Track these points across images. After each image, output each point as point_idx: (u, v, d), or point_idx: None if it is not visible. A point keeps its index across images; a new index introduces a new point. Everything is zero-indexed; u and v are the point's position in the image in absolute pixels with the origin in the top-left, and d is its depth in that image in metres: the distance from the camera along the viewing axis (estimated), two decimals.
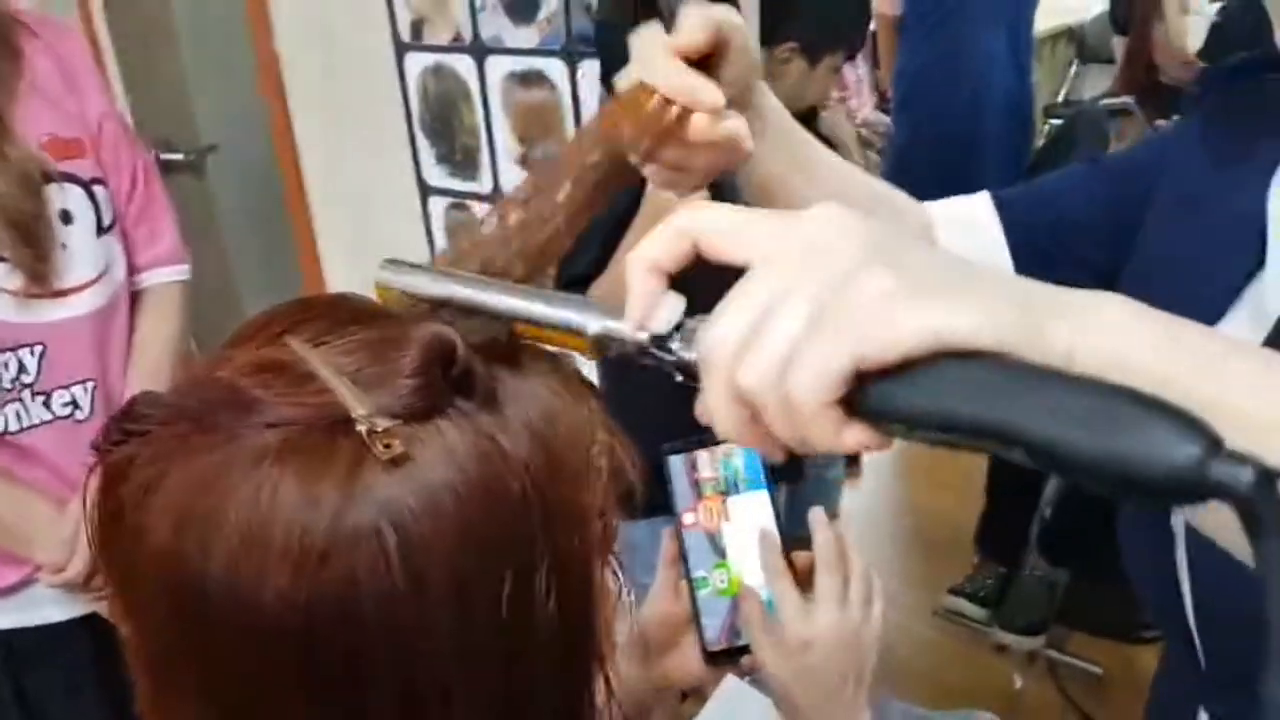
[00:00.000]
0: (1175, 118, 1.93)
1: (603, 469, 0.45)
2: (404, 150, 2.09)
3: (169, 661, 0.41)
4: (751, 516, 0.80)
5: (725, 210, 0.39)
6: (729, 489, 0.80)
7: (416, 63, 1.99)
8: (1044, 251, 0.81)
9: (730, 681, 1.23)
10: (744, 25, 0.62)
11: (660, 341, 0.40)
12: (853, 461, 2.88)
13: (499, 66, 1.88)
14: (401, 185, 2.14)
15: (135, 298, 1.25)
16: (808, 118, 1.85)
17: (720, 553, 0.79)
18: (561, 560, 0.42)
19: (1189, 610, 0.69)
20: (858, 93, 3.06)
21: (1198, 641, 0.70)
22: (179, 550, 0.38)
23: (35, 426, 1.14)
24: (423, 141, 2.06)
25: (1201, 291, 0.67)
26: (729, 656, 0.79)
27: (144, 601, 0.41)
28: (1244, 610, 0.59)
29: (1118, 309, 0.36)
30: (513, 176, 1.96)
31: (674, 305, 0.40)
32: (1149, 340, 0.35)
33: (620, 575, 0.50)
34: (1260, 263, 0.64)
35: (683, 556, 0.79)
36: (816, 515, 0.75)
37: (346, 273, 2.34)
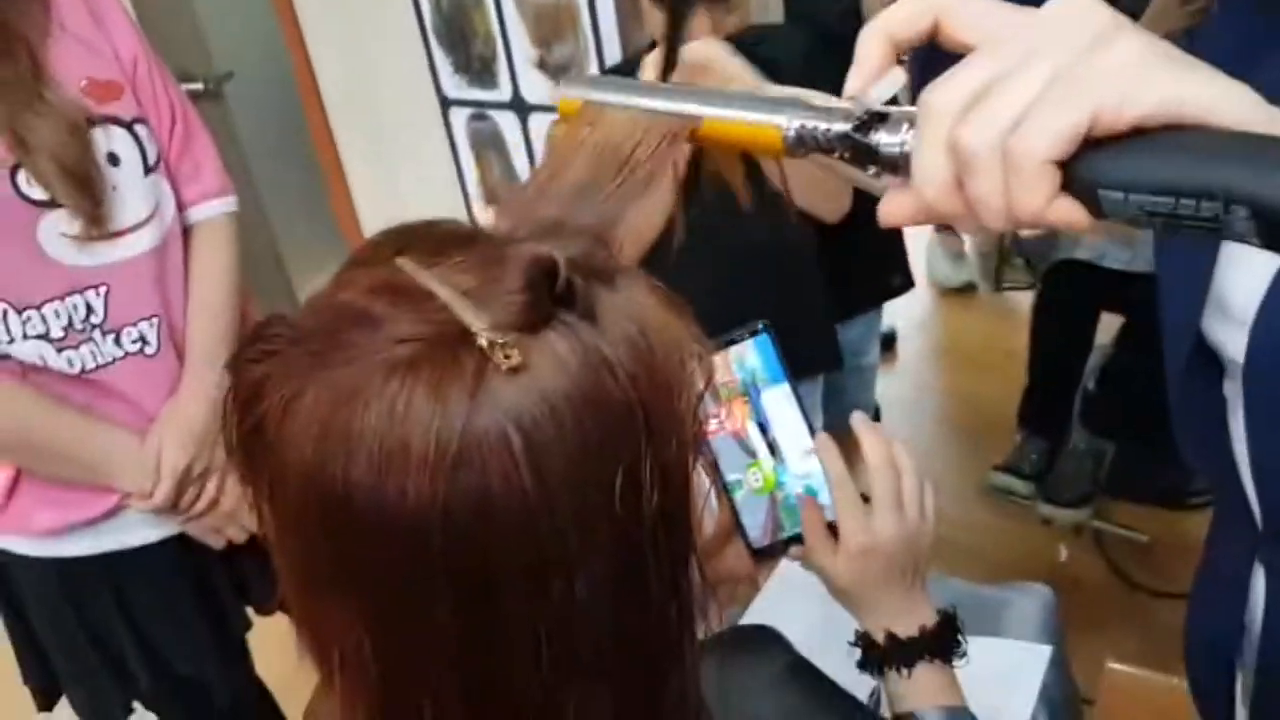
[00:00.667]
0: None
1: (694, 377, 0.48)
2: (421, 63, 2.08)
3: (314, 562, 0.45)
4: (776, 412, 0.81)
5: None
6: (748, 389, 0.81)
7: None
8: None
9: (786, 564, 1.27)
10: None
11: (866, 126, 0.40)
12: (888, 346, 2.90)
13: None
14: (421, 98, 2.12)
15: (186, 233, 1.27)
16: None
17: (750, 453, 0.81)
18: (662, 459, 0.45)
19: (1245, 472, 0.71)
20: None
21: (1254, 499, 0.71)
22: (323, 460, 0.41)
23: (109, 364, 1.18)
24: (439, 52, 2.04)
25: None
26: (775, 551, 0.82)
27: (289, 510, 0.44)
28: None
29: None
30: (532, 81, 1.94)
31: (895, 80, 0.40)
32: None
33: (708, 473, 0.53)
34: None
35: (714, 464, 0.81)
36: (860, 419, 0.77)
37: (372, 191, 2.35)
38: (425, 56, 2.05)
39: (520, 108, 1.99)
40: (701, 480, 0.52)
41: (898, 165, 0.40)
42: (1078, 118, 0.34)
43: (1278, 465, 0.67)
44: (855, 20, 1.82)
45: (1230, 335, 0.67)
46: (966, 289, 3.14)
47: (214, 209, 1.29)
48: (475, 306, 0.43)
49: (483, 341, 0.41)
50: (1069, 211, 0.36)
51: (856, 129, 0.41)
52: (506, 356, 0.41)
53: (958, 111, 0.36)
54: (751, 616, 1.18)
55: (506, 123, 2.03)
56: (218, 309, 1.27)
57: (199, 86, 2.36)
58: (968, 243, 3.22)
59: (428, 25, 2.01)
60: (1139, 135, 0.33)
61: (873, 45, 0.41)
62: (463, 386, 0.41)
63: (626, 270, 0.49)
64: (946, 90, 0.37)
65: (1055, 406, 2.28)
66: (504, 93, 2.00)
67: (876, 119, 0.41)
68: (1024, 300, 2.74)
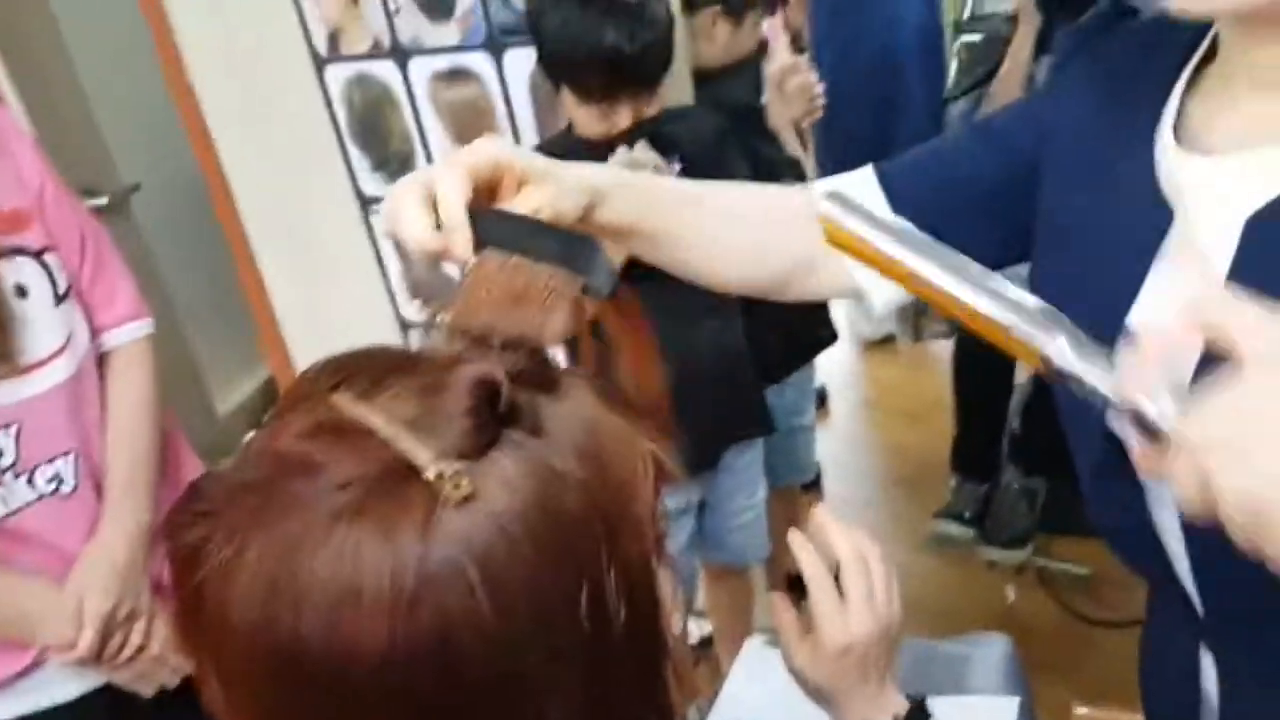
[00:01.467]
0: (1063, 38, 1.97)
1: (650, 476, 0.47)
2: (337, 164, 2.07)
3: None
4: None
5: (1248, 309, 0.44)
6: None
7: (338, 74, 1.96)
8: (935, 229, 0.79)
9: (754, 642, 1.26)
10: (514, 152, 0.64)
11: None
12: (820, 404, 2.94)
13: (423, 68, 1.86)
14: (339, 199, 2.11)
15: (101, 360, 1.23)
16: (750, 64, 1.89)
17: None
18: (625, 566, 0.45)
19: (1181, 565, 0.71)
20: (773, 37, 3.09)
21: (1191, 589, 0.71)
22: (271, 617, 0.40)
23: (22, 509, 1.12)
24: (355, 152, 2.04)
25: (1120, 257, 0.68)
26: None
27: (238, 675, 0.42)
28: (1252, 565, 0.63)
29: None
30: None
31: (1175, 391, 0.46)
32: None
33: (673, 573, 0.52)
34: (1169, 216, 0.65)
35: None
36: (823, 514, 0.77)
37: (293, 296, 2.31)
38: (341, 156, 2.05)
39: None
40: (667, 583, 0.51)
41: (1155, 434, 0.46)
42: None
43: (1218, 565, 0.67)
44: (757, 109, 1.88)
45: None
46: (887, 341, 3.21)
47: (129, 333, 1.25)
48: (419, 437, 0.42)
49: (430, 474, 0.41)
50: None
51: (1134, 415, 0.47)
52: (456, 487, 0.41)
53: (1216, 447, 0.43)
54: (722, 703, 1.16)
55: None
56: (137, 437, 1.23)
57: (104, 200, 2.32)
58: None
59: (342, 125, 2.01)
60: None
61: (1154, 357, 0.47)
62: (413, 524, 0.40)
63: (567, 375, 0.49)
64: (1207, 427, 0.43)
65: (985, 450, 2.33)
66: None
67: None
68: (943, 348, 2.80)
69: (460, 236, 0.58)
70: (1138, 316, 0.66)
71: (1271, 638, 0.70)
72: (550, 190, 0.63)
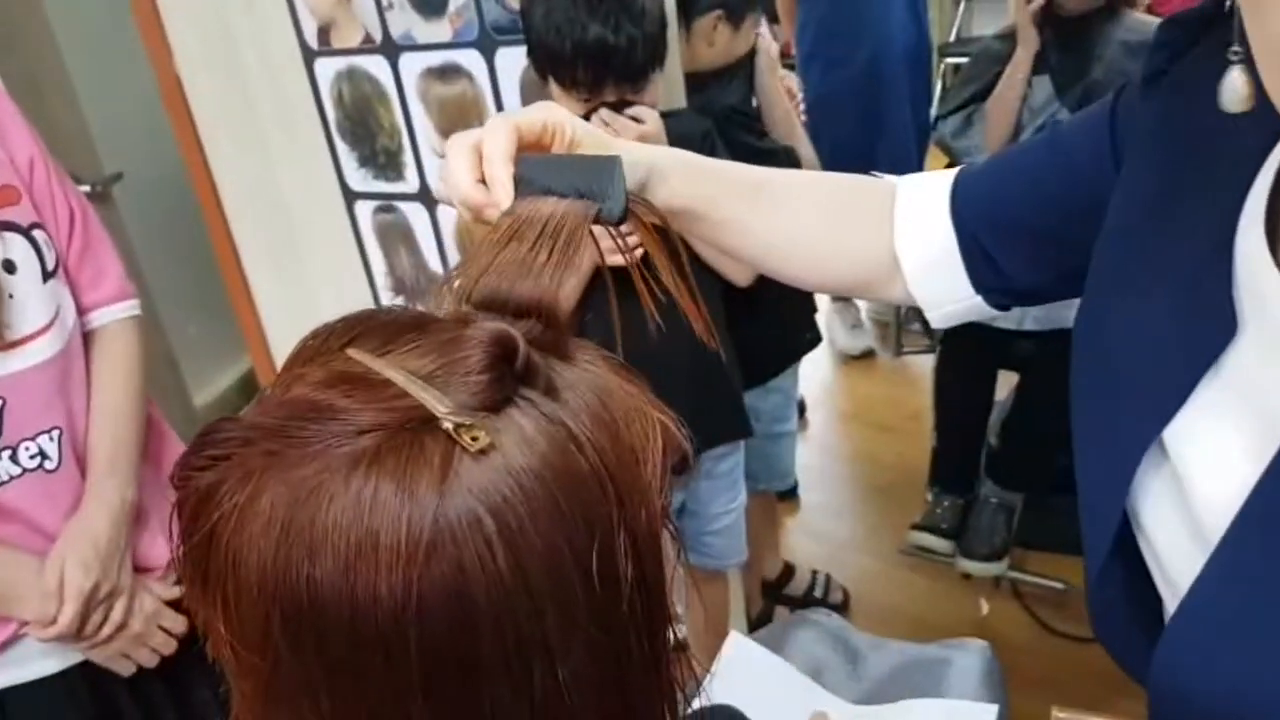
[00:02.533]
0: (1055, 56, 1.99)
1: (658, 445, 0.48)
2: (324, 158, 2.06)
3: (279, 675, 0.42)
4: None
5: None
6: None
7: (327, 68, 1.95)
8: (986, 250, 0.75)
9: (735, 639, 1.27)
10: (568, 117, 0.65)
11: None
12: (799, 415, 2.95)
13: (414, 63, 1.86)
14: (324, 193, 2.10)
15: (88, 338, 1.22)
16: (742, 67, 1.91)
17: None
18: (634, 530, 0.45)
19: None
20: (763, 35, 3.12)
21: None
22: (286, 564, 0.40)
23: (5, 482, 1.11)
24: (342, 147, 2.03)
25: (1169, 359, 0.58)
26: None
27: (249, 623, 0.42)
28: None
29: None
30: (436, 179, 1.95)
31: None
32: None
33: (674, 542, 0.53)
34: (1232, 329, 0.55)
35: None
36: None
37: (276, 289, 2.30)
38: (328, 151, 2.04)
39: (428, 199, 1.99)
40: (670, 551, 0.51)
41: None
42: None
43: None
44: (749, 111, 1.90)
45: (1155, 569, 0.62)
46: (867, 355, 3.23)
47: (116, 313, 1.25)
48: (437, 390, 0.42)
49: (448, 425, 0.41)
50: None
51: None
52: (474, 439, 0.41)
53: None
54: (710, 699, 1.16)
55: (414, 214, 2.02)
56: (122, 416, 1.22)
57: (86, 189, 2.30)
58: (863, 312, 3.33)
59: (330, 119, 2.00)
60: None
61: None
62: (431, 474, 0.40)
63: (578, 343, 0.49)
64: None
65: (964, 463, 2.34)
66: (411, 185, 2.00)
67: None
68: (922, 362, 2.83)
69: (500, 186, 0.58)
70: (1174, 439, 0.58)
71: None
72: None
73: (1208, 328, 0.56)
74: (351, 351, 0.44)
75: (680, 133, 1.50)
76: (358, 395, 0.42)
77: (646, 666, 0.48)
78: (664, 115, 1.52)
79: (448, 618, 0.40)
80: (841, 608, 2.29)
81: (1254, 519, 0.52)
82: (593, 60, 1.41)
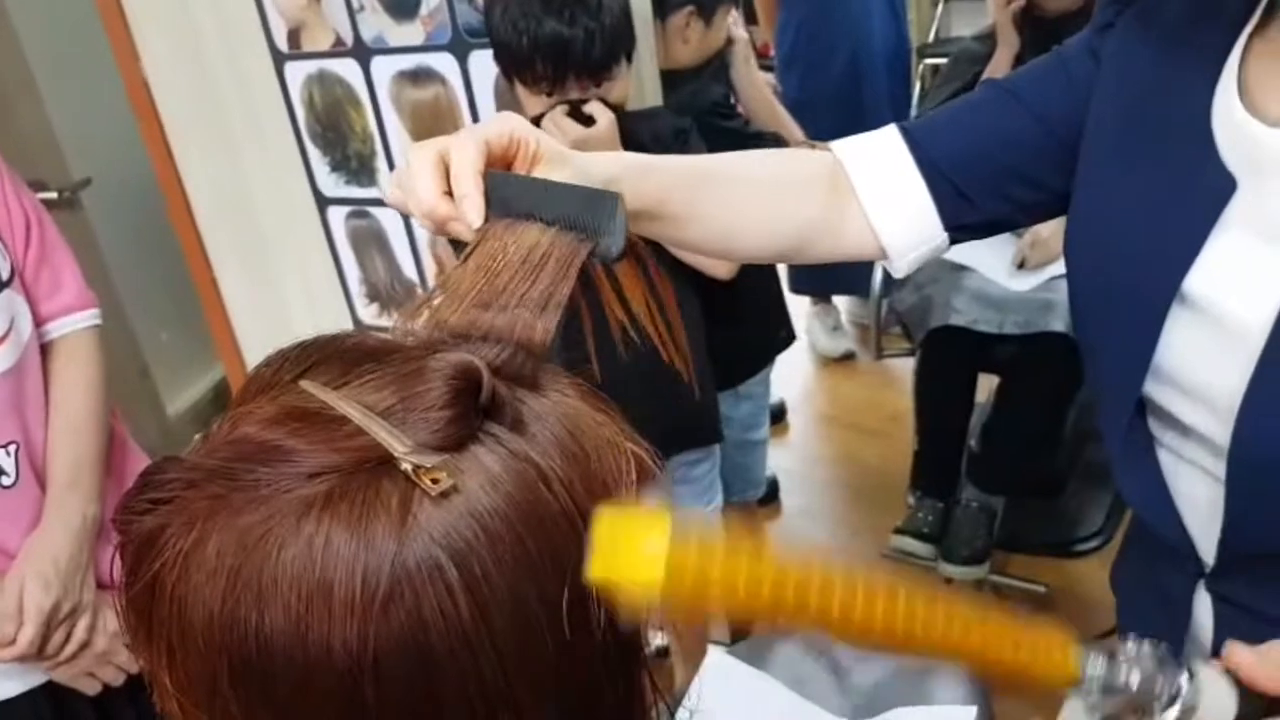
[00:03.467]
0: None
1: (632, 478, 0.45)
2: (295, 163, 2.03)
3: None
4: None
5: None
6: None
7: (298, 72, 1.92)
8: (960, 190, 0.81)
9: (714, 656, 1.25)
10: (531, 130, 0.64)
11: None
12: (778, 419, 2.93)
13: (386, 67, 1.83)
14: (296, 199, 2.07)
15: (45, 350, 1.18)
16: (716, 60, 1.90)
17: None
18: None
19: (1197, 532, 0.75)
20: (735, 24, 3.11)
21: (1199, 540, 0.74)
22: (234, 615, 0.37)
23: None
24: (313, 151, 2.00)
25: (1175, 224, 0.67)
26: None
27: (195, 676, 0.39)
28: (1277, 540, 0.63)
29: None
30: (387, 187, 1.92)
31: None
32: None
33: None
34: (1232, 184, 0.65)
35: None
36: None
37: (248, 295, 2.26)
38: (300, 155, 2.00)
39: None
40: None
41: None
42: None
43: (1250, 539, 0.71)
44: (729, 105, 1.88)
45: (1184, 406, 0.71)
46: (847, 358, 3.22)
47: (76, 323, 1.21)
48: (395, 428, 0.39)
49: (406, 466, 0.38)
50: None
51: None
52: (434, 481, 0.38)
53: None
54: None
55: (389, 220, 1.99)
56: (82, 431, 1.18)
57: (53, 195, 2.26)
58: (843, 314, 3.32)
59: (301, 123, 1.97)
60: None
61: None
62: (388, 519, 0.37)
63: (549, 372, 0.47)
64: None
65: (945, 467, 2.33)
66: (384, 190, 1.97)
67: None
68: (902, 365, 2.81)
69: (471, 203, 0.57)
70: (1194, 284, 0.67)
71: (1272, 587, 0.72)
72: (566, 172, 0.63)
73: (1208, 187, 0.65)
74: (304, 384, 0.42)
75: (653, 132, 1.48)
76: (309, 434, 0.39)
77: (620, 708, 0.46)
78: (635, 114, 1.50)
79: (406, 672, 0.37)
80: None
81: None
82: (550, 55, 1.39)
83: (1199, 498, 0.73)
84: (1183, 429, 0.72)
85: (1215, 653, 0.77)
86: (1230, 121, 0.64)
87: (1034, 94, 0.79)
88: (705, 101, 1.75)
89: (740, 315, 1.73)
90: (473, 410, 0.41)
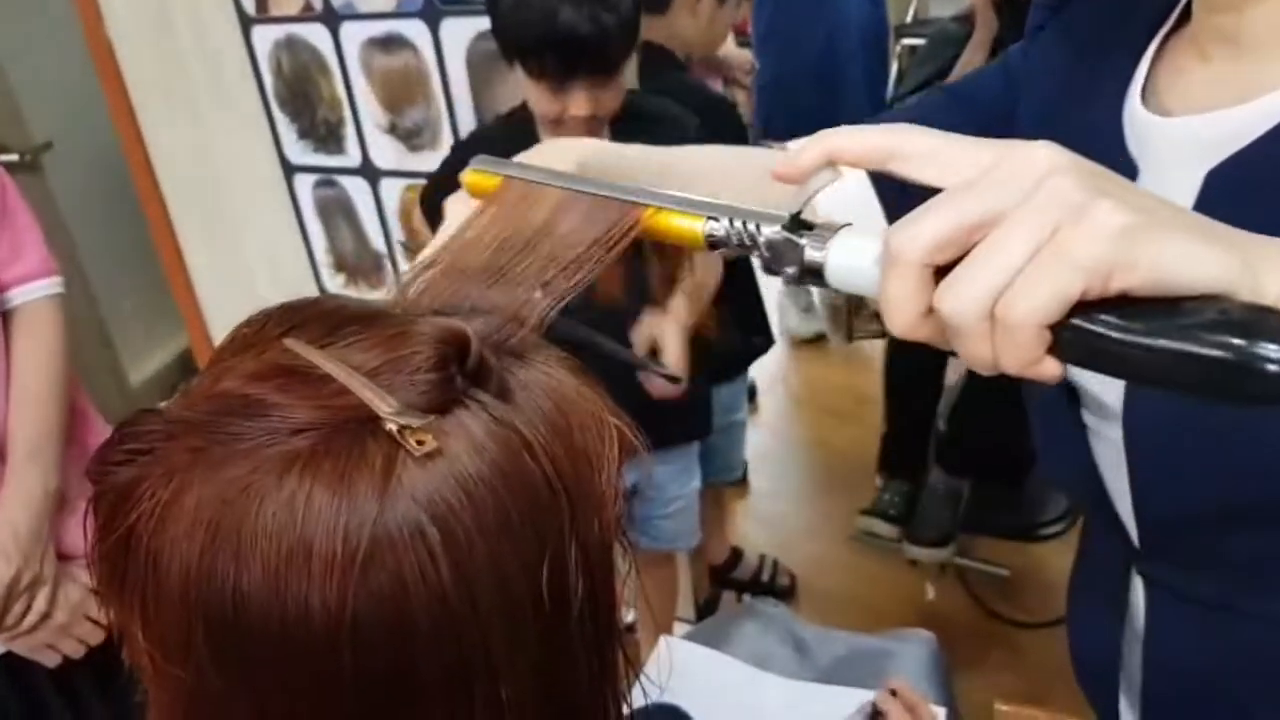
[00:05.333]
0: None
1: (614, 453, 0.45)
2: (262, 129, 1.99)
3: (201, 690, 0.39)
4: None
5: (927, 134, 0.39)
6: None
7: (265, 36, 1.88)
8: (904, 185, 0.82)
9: (667, 642, 1.25)
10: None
11: (794, 230, 0.42)
12: (750, 400, 2.94)
13: (356, 33, 1.80)
14: (263, 166, 2.04)
15: (6, 318, 1.16)
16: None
17: None
18: (586, 541, 0.43)
19: (1117, 498, 0.75)
20: None
21: (1127, 520, 0.75)
22: (210, 569, 0.36)
23: None
24: (281, 118, 1.97)
25: None
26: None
27: (169, 632, 0.38)
28: (1185, 507, 0.63)
29: None
30: (382, 147, 1.89)
31: (825, 180, 0.41)
32: None
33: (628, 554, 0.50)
34: (1133, 171, 0.67)
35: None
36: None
37: (212, 264, 2.23)
38: (267, 122, 1.97)
39: (370, 173, 1.93)
40: (621, 564, 0.49)
41: (820, 274, 0.41)
42: (1068, 290, 0.34)
43: (1158, 506, 0.72)
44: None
45: (1093, 381, 0.71)
46: (818, 339, 3.22)
47: (37, 291, 1.19)
48: (381, 388, 0.39)
49: (391, 427, 0.37)
50: (1054, 367, 0.36)
51: (788, 228, 0.42)
52: (419, 442, 0.37)
53: (928, 256, 0.37)
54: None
55: (356, 189, 1.97)
56: (43, 400, 1.16)
57: (14, 158, 2.21)
58: (815, 295, 3.32)
59: (268, 89, 1.93)
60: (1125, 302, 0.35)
61: (809, 156, 0.41)
62: (371, 478, 0.37)
63: (534, 341, 0.46)
64: (916, 237, 0.37)
65: (912, 450, 2.35)
66: (353, 158, 1.94)
67: (802, 226, 0.42)
68: (873, 347, 2.83)
69: None
70: None
71: (1200, 564, 0.73)
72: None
73: (1114, 171, 0.63)
74: (289, 342, 0.40)
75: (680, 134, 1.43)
76: (294, 390, 0.38)
77: (594, 682, 0.45)
78: (648, 113, 1.47)
79: (384, 633, 0.37)
80: (789, 593, 2.29)
81: None
82: (563, 51, 1.30)
83: (1119, 470, 0.74)
84: (1098, 405, 0.73)
85: (1149, 641, 0.78)
86: (1131, 115, 0.68)
87: (976, 94, 0.83)
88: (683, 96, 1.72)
89: (720, 323, 1.72)
90: (459, 374, 0.40)
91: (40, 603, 1.13)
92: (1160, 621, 0.77)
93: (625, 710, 0.49)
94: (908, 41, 3.30)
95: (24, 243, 1.18)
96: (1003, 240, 0.35)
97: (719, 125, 1.67)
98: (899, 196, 0.85)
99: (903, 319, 0.38)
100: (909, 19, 3.55)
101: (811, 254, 0.41)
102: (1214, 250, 0.35)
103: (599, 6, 1.28)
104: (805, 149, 0.42)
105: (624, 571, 0.50)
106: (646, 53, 1.64)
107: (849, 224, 0.42)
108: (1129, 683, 0.83)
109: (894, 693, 1.08)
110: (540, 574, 0.40)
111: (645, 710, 0.79)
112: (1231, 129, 0.60)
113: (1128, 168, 0.67)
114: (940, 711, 1.16)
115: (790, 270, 0.42)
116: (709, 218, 0.45)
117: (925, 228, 0.36)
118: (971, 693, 1.38)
